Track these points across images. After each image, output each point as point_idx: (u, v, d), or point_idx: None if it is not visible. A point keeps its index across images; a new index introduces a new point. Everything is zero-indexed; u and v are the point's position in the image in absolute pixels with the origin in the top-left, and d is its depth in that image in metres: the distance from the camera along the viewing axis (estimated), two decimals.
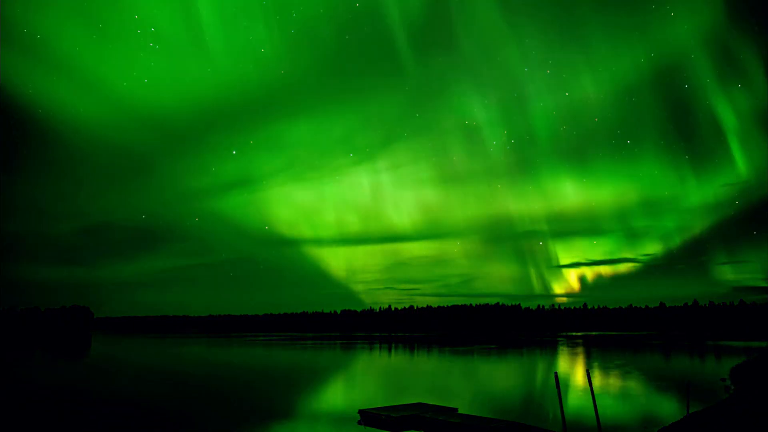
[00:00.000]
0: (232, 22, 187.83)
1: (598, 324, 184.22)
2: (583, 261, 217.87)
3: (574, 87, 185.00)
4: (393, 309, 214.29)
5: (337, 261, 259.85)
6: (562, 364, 40.09)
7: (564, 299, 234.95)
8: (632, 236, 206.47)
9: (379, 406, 19.00)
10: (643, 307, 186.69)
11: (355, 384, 28.31)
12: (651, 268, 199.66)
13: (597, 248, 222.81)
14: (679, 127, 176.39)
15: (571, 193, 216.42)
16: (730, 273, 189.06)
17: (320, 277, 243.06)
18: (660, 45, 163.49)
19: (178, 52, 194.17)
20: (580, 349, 60.06)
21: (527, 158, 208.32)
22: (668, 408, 19.19)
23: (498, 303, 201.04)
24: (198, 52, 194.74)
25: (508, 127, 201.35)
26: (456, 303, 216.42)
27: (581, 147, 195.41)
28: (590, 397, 20.26)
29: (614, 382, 28.03)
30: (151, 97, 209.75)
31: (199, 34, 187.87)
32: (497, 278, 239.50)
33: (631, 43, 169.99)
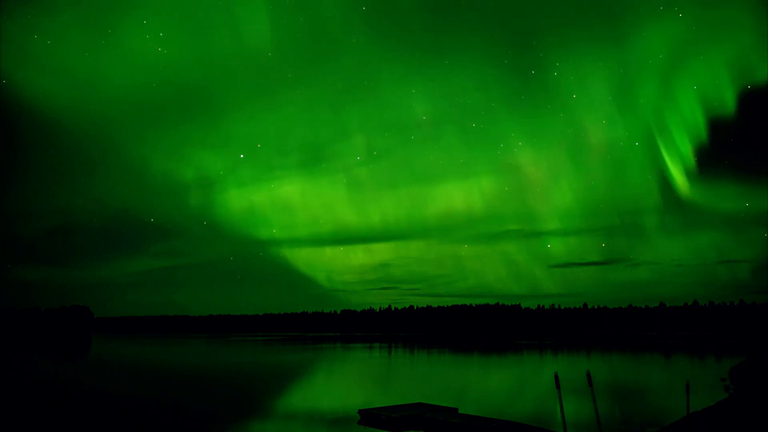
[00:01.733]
0: (237, 26, 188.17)
1: (598, 324, 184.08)
2: (583, 261, 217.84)
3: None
4: (393, 309, 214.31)
5: (331, 261, 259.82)
6: (562, 364, 40.07)
7: (563, 299, 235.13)
8: (633, 235, 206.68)
9: (379, 406, 18.99)
10: (643, 307, 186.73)
11: (355, 384, 28.29)
12: (651, 268, 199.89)
13: (597, 248, 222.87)
14: None
15: (570, 191, 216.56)
16: (731, 273, 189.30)
17: (311, 278, 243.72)
18: None
19: (187, 57, 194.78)
20: (580, 349, 60.04)
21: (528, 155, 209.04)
22: (668, 408, 19.18)
23: (498, 303, 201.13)
24: (207, 57, 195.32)
25: (506, 126, 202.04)
26: (456, 303, 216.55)
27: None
28: (590, 397, 20.24)
29: (614, 382, 28.02)
30: (160, 101, 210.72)
31: (207, 38, 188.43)
32: (497, 278, 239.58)
33: None
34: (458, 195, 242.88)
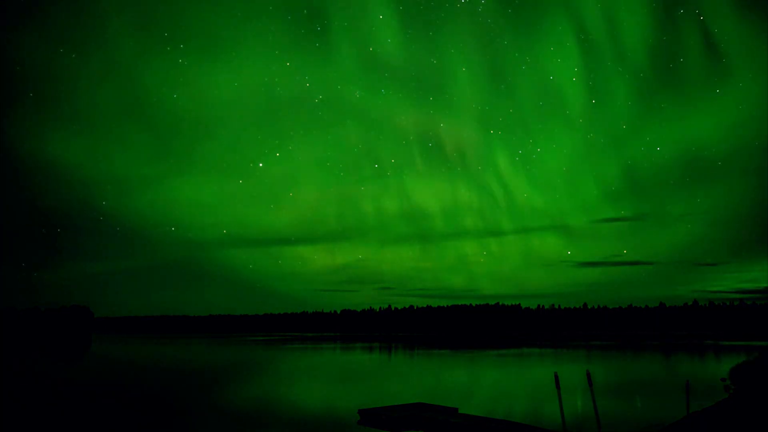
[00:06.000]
0: (252, 35, 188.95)
1: (598, 324, 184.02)
2: (584, 260, 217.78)
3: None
4: (393, 309, 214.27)
5: (329, 261, 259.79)
6: (562, 364, 40.08)
7: (563, 299, 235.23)
8: (634, 235, 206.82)
9: (379, 406, 18.99)
10: (643, 307, 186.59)
11: (355, 384, 28.30)
12: (652, 268, 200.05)
13: (598, 247, 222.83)
14: None
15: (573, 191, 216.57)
16: (731, 273, 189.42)
17: (306, 278, 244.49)
18: None
19: (205, 67, 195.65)
20: (580, 349, 60.04)
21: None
22: (668, 408, 19.18)
23: (498, 303, 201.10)
24: (224, 66, 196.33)
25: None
26: (455, 303, 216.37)
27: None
28: (590, 397, 20.25)
29: (614, 382, 28.02)
30: (179, 110, 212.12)
31: (226, 49, 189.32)
32: (497, 278, 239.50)
33: None
34: (460, 193, 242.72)
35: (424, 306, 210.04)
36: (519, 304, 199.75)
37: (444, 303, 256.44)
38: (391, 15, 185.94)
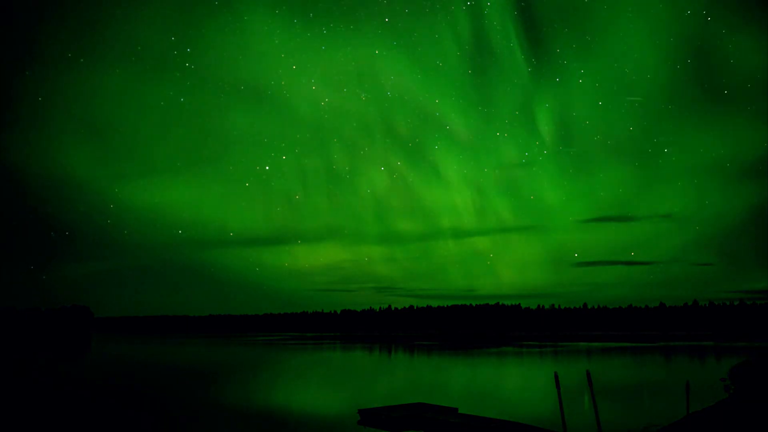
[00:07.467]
0: (262, 39, 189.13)
1: (598, 324, 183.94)
2: (584, 260, 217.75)
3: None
4: (393, 309, 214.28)
5: (329, 261, 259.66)
6: (562, 364, 40.07)
7: (563, 299, 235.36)
8: (634, 235, 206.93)
9: (379, 406, 18.99)
10: (643, 307, 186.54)
11: (355, 384, 28.29)
12: (652, 268, 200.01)
13: (599, 247, 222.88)
14: None
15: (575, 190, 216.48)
16: (731, 273, 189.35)
17: (306, 278, 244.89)
18: None
19: (211, 71, 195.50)
20: (580, 349, 60.04)
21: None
22: (668, 408, 19.18)
23: (498, 303, 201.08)
24: (229, 69, 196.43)
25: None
26: (456, 303, 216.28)
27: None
28: (590, 397, 20.25)
29: (614, 382, 28.02)
30: (186, 114, 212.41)
31: (233, 53, 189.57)
32: (496, 277, 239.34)
33: None
34: (461, 193, 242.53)
35: (424, 306, 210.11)
36: (519, 304, 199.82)
37: (444, 303, 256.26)
38: (394, 20, 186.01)
